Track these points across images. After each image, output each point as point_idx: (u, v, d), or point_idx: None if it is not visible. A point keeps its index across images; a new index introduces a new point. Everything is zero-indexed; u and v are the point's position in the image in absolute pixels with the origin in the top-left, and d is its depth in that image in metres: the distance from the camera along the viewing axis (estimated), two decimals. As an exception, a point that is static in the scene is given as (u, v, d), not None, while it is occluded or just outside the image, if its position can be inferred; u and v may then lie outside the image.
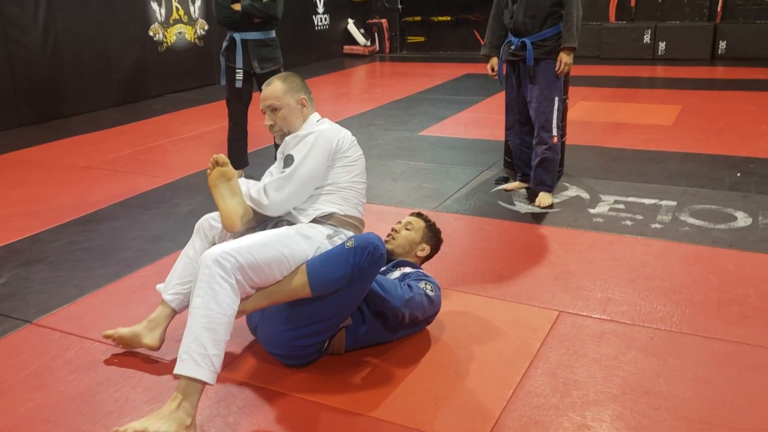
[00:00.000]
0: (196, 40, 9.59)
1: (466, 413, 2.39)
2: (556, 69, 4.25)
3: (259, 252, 2.41)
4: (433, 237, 3.14)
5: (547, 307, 3.12)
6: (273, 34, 5.06)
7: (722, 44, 10.37)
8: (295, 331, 2.57)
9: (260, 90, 5.03)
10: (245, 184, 2.72)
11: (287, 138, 2.81)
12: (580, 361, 2.69)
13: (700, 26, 10.44)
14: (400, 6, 12.69)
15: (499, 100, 7.86)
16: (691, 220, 4.06)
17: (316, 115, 2.91)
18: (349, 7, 12.80)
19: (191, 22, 9.48)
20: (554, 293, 3.25)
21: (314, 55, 12.01)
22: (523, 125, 4.59)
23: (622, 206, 4.34)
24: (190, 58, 9.49)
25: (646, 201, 4.40)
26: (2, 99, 7.17)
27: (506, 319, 3.02)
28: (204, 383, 2.26)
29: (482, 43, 4.66)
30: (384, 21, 12.81)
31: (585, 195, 4.58)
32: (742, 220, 4.05)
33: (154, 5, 8.86)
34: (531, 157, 4.55)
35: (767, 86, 8.15)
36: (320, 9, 12.07)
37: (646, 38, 10.60)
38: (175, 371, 2.26)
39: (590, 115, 6.93)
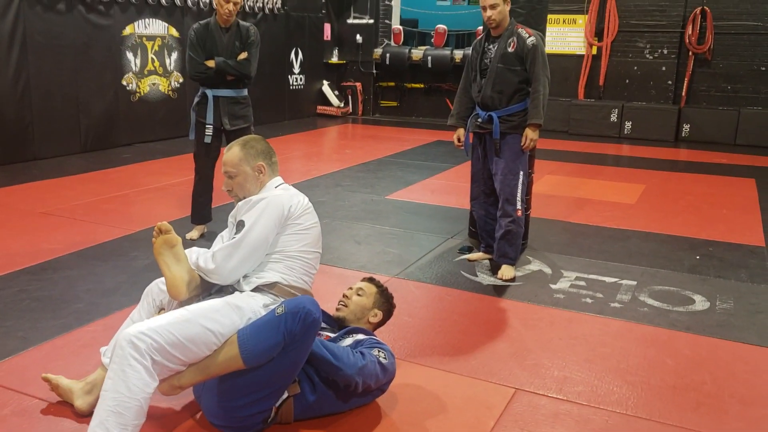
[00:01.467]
0: (170, 92, 9.60)
1: (415, 494, 2.31)
2: (522, 144, 4.32)
3: (180, 329, 2.36)
4: (386, 302, 3.09)
5: (504, 384, 3.07)
6: (245, 92, 5.08)
7: (686, 127, 10.69)
8: (233, 402, 2.49)
9: (228, 147, 5.04)
10: (194, 253, 2.68)
11: (240, 203, 2.79)
12: (534, 442, 2.64)
13: (665, 108, 10.77)
14: (374, 71, 12.92)
15: (467, 168, 7.96)
16: (650, 301, 4.08)
17: (276, 180, 2.87)
18: (325, 69, 12.99)
19: (166, 74, 9.51)
20: (511, 370, 3.21)
21: (288, 114, 12.09)
22: (488, 196, 4.62)
23: (583, 283, 4.35)
24: (162, 109, 9.48)
25: (607, 279, 4.43)
26: (-34, 139, 7.07)
27: (461, 395, 2.97)
28: None
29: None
30: (358, 84, 13.00)
31: (547, 270, 4.59)
32: (700, 303, 4.08)
33: (130, 55, 8.89)
34: (495, 228, 4.57)
35: (727, 171, 8.37)
36: (296, 69, 12.22)
37: (613, 117, 10.89)
38: None
39: (556, 190, 7.03)
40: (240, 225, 2.68)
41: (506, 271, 4.41)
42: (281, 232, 2.70)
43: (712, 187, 7.41)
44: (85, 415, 2.63)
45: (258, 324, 2.44)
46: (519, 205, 4.39)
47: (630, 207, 6.43)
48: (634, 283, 4.37)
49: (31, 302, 3.82)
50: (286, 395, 2.57)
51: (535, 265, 4.68)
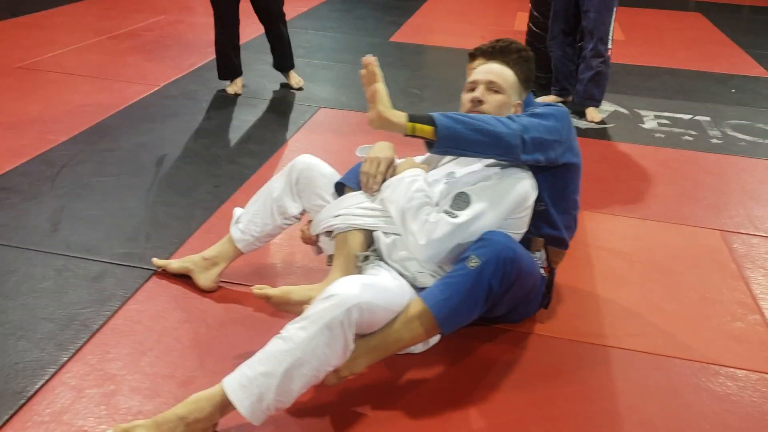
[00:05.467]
0: None
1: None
2: (622, -24, 4.09)
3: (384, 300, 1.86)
4: (522, 70, 2.25)
5: (702, 226, 3.05)
6: None
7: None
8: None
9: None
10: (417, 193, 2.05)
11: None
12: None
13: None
14: None
15: (449, 3, 7.59)
16: (738, 134, 4.20)
17: None
18: None
19: None
20: (691, 210, 3.19)
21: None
22: (567, 35, 4.41)
23: (666, 121, 4.39)
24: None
25: (683, 116, 4.49)
26: None
27: (667, 241, 2.92)
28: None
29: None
30: None
31: (623, 110, 4.57)
32: (780, 135, 4.26)
33: None
34: (572, 70, 4.43)
35: None
36: None
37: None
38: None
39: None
40: (460, 198, 2.02)
41: (594, 113, 4.34)
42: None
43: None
44: (212, 291, 2.35)
45: (448, 285, 1.90)
46: (610, 44, 4.25)
47: (623, 44, 6.42)
48: (708, 118, 4.45)
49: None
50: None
51: (606, 106, 4.60)
